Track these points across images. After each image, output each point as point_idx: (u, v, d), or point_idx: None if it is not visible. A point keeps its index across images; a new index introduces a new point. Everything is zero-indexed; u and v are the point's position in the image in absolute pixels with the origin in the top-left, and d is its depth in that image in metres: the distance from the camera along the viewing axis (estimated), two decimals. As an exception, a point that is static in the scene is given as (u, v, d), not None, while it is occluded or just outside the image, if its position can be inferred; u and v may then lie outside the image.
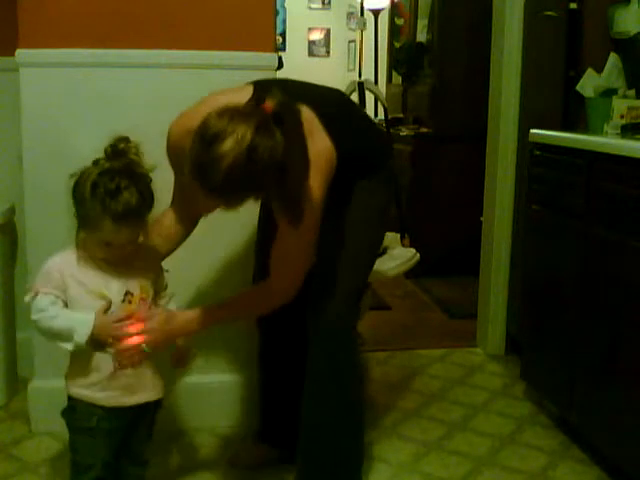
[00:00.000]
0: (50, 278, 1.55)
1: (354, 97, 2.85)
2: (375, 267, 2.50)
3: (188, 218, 1.82)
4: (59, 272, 1.55)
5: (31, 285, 1.58)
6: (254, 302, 1.76)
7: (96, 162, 1.54)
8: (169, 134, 1.72)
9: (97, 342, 1.55)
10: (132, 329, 1.57)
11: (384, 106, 3.16)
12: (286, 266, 1.68)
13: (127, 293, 1.58)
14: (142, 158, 1.56)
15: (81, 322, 1.52)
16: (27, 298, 1.56)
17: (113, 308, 1.56)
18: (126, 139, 1.56)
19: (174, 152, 1.70)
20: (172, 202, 1.82)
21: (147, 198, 1.53)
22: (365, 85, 2.79)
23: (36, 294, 1.54)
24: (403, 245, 2.70)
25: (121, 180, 1.49)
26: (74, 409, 1.63)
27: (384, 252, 2.58)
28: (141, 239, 1.61)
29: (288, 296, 1.69)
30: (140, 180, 1.53)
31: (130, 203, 1.48)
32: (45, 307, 1.53)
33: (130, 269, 1.59)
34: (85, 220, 1.52)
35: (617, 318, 2.04)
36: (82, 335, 1.52)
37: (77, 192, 1.52)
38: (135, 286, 1.59)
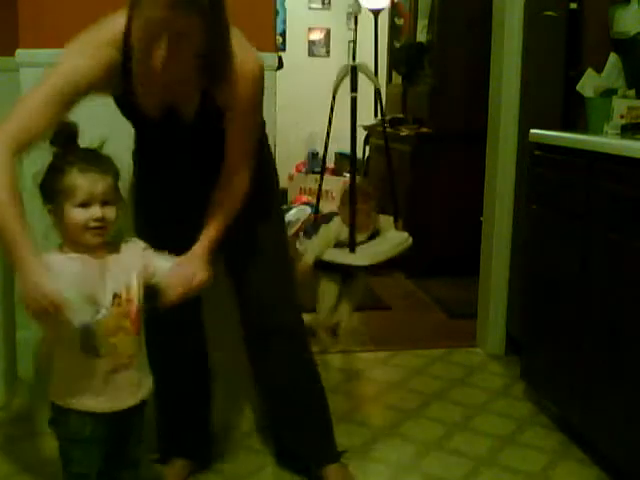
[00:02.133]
0: None
1: (347, 96, 2.83)
2: (369, 250, 2.51)
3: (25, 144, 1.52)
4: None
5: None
6: (233, 204, 1.78)
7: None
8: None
9: (87, 345, 1.52)
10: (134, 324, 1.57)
11: (378, 90, 3.13)
12: (244, 153, 1.76)
13: (115, 296, 1.55)
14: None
15: None
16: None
17: (104, 312, 1.53)
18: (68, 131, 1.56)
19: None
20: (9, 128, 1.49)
21: (107, 160, 1.54)
22: (358, 69, 2.76)
23: None
24: (396, 228, 2.71)
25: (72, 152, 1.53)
26: (65, 420, 1.58)
27: (377, 234, 2.58)
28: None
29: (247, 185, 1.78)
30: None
31: (88, 151, 1.52)
32: None
33: (112, 270, 1.56)
34: (55, 195, 1.50)
35: (617, 318, 2.04)
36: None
37: (42, 186, 1.53)
38: (121, 288, 1.56)
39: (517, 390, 2.75)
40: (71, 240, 1.53)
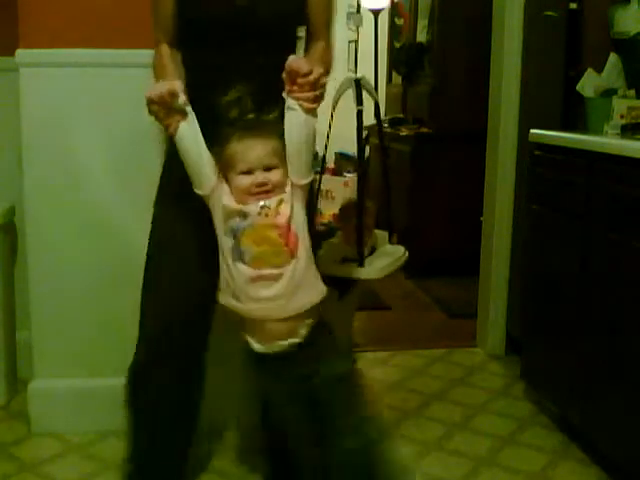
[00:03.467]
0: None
1: (347, 95, 2.82)
2: (376, 263, 2.49)
3: (174, 34, 1.74)
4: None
5: None
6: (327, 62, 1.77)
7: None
8: None
9: (235, 250, 1.52)
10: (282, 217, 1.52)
11: (377, 105, 3.14)
12: (326, 23, 1.80)
13: (263, 207, 1.50)
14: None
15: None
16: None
17: (250, 220, 1.50)
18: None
19: None
20: (158, 29, 1.76)
21: (269, 124, 1.50)
22: (362, 83, 2.77)
23: None
24: (390, 242, 2.69)
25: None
26: None
27: (373, 251, 2.57)
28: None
29: None
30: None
31: (251, 116, 1.49)
32: None
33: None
34: (221, 166, 1.52)
35: (617, 318, 2.04)
36: None
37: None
38: (272, 201, 1.51)
39: (517, 390, 2.75)
40: (239, 201, 1.53)
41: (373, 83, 3.76)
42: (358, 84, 2.73)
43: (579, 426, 2.28)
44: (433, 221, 4.26)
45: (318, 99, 1.49)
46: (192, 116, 1.53)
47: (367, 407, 1.66)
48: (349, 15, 6.87)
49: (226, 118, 1.52)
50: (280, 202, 1.51)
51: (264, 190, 1.50)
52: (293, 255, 1.52)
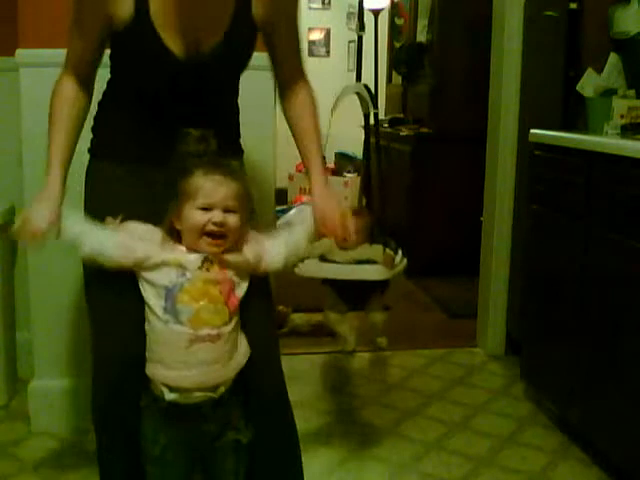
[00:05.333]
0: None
1: (348, 101, 2.82)
2: (365, 275, 2.48)
3: (86, 84, 1.58)
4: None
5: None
6: (315, 121, 1.68)
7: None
8: None
9: (168, 309, 1.42)
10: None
11: (375, 114, 3.14)
12: (301, 67, 1.67)
13: (205, 260, 1.43)
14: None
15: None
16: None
17: (189, 275, 1.42)
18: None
19: None
20: (63, 71, 1.58)
21: (238, 170, 1.49)
22: (359, 91, 2.77)
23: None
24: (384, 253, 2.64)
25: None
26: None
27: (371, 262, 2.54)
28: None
29: None
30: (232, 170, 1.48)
31: (219, 159, 1.47)
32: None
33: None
34: (180, 196, 1.43)
35: (617, 318, 2.04)
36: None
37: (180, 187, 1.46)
38: (217, 256, 1.44)
39: (517, 390, 2.75)
40: (187, 246, 1.45)
41: (373, 83, 3.76)
42: (369, 90, 2.70)
43: (579, 426, 2.28)
44: (433, 221, 4.26)
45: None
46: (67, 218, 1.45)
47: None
48: (349, 15, 6.89)
49: (193, 151, 1.50)
50: (225, 263, 1.45)
51: (219, 232, 1.42)
52: (231, 316, 1.45)
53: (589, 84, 2.58)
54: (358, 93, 2.99)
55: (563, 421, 2.43)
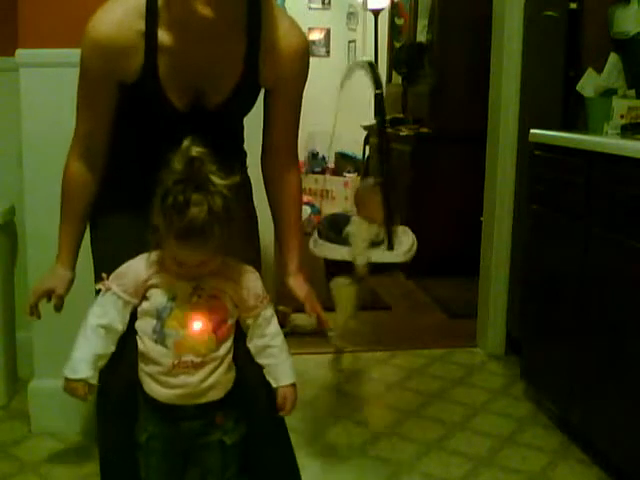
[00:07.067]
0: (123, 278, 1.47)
1: (348, 95, 2.78)
2: (400, 248, 2.50)
3: (96, 159, 1.58)
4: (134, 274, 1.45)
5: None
6: (298, 208, 1.71)
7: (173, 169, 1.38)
8: (91, 31, 1.44)
9: (156, 332, 1.43)
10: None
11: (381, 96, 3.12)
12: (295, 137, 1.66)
13: (197, 288, 1.42)
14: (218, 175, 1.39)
15: (75, 363, 1.54)
16: (98, 286, 1.50)
17: (179, 301, 1.41)
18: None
19: (101, 51, 1.43)
20: (73, 145, 1.59)
21: (220, 217, 1.34)
22: (364, 67, 2.73)
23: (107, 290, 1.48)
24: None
25: (193, 194, 1.32)
26: None
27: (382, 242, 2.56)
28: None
29: None
30: (214, 196, 1.34)
31: (195, 220, 1.31)
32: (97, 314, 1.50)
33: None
34: (154, 231, 1.38)
35: (617, 318, 2.04)
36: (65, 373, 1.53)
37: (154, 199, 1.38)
38: (209, 284, 1.44)
39: (517, 390, 2.75)
40: (166, 266, 1.44)
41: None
42: (372, 67, 2.66)
43: (579, 426, 2.28)
44: (433, 221, 4.26)
45: None
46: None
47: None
48: (349, 15, 6.90)
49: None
50: (217, 293, 1.44)
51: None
52: (219, 344, 1.44)
53: (589, 84, 2.58)
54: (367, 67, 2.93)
55: (563, 421, 2.43)
